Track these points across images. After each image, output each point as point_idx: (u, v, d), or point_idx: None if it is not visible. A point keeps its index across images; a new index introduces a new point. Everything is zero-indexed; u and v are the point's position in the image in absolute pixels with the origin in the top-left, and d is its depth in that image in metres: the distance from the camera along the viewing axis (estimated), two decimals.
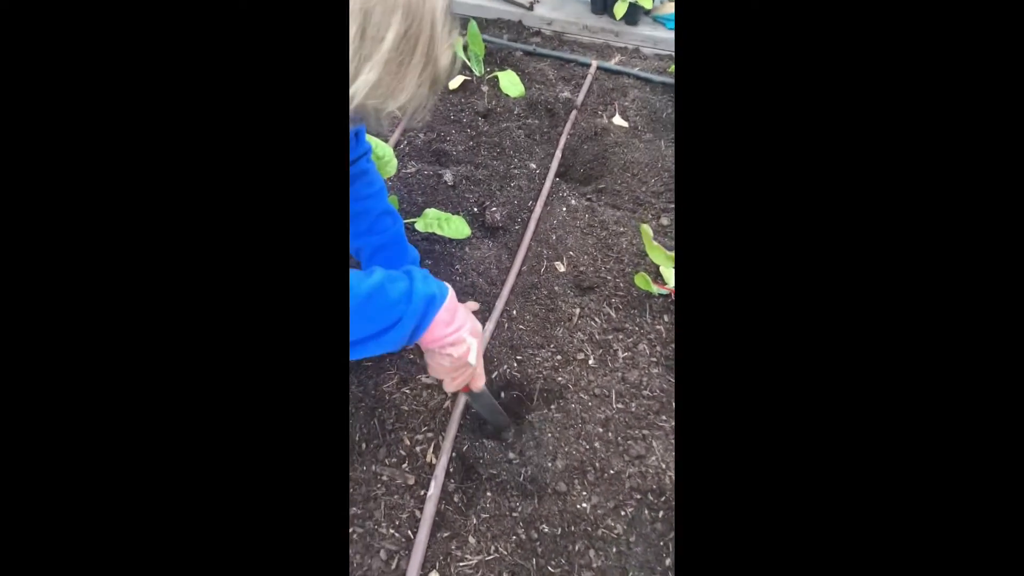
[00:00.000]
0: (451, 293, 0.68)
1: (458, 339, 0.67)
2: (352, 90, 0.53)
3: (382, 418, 0.85)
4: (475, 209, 1.15)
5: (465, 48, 1.49)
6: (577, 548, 0.73)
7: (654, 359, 0.94)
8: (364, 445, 0.82)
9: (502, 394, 0.90)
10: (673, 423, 0.86)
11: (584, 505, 0.76)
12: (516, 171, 1.24)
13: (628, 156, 1.28)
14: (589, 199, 1.21)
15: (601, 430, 0.84)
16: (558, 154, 1.28)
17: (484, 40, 1.52)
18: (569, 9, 1.68)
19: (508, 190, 1.20)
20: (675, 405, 0.88)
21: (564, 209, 1.18)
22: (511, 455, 0.81)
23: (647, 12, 1.61)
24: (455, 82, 1.43)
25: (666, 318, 0.99)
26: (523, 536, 0.74)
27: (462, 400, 0.85)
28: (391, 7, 0.51)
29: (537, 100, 1.40)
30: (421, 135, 1.31)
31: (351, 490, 0.77)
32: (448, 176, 1.19)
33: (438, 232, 1.00)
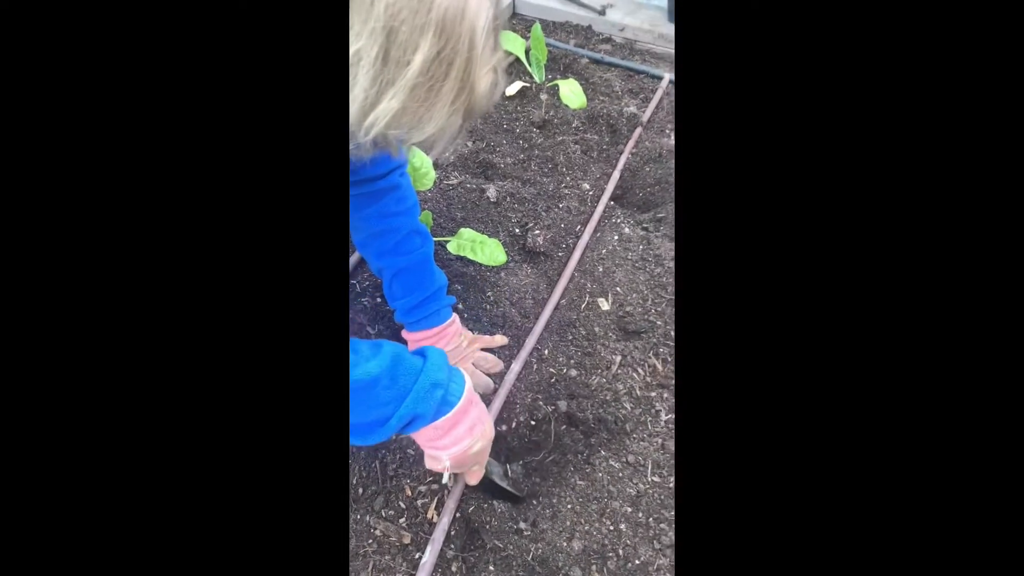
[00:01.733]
0: (455, 410, 0.62)
1: (438, 456, 0.62)
2: (370, 119, 0.44)
3: (384, 461, 0.76)
4: (517, 230, 1.05)
5: (527, 52, 1.39)
6: None
7: None
8: (361, 490, 0.74)
9: (512, 464, 0.79)
10: None
11: None
12: (567, 191, 1.13)
13: None
14: (645, 228, 1.08)
15: (630, 509, 0.72)
16: (616, 175, 1.16)
17: (548, 45, 1.42)
18: (644, 15, 1.55)
19: (556, 211, 1.09)
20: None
21: (616, 238, 1.06)
22: (522, 525, 0.71)
23: None
24: (512, 88, 1.34)
25: None
26: None
27: None
28: (421, 25, 0.41)
29: (599, 113, 1.29)
30: (469, 143, 1.23)
31: None
32: (492, 191, 1.09)
33: (470, 256, 0.91)
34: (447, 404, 0.61)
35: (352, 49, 0.42)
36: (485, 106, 0.50)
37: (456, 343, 0.83)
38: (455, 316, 0.85)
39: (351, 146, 0.47)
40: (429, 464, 0.64)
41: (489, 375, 0.84)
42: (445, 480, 0.71)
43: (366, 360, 0.55)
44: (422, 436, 0.61)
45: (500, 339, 0.88)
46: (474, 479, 0.67)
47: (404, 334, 0.84)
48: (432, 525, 0.71)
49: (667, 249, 1.03)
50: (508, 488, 0.72)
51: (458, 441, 0.61)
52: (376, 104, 0.43)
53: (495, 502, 0.73)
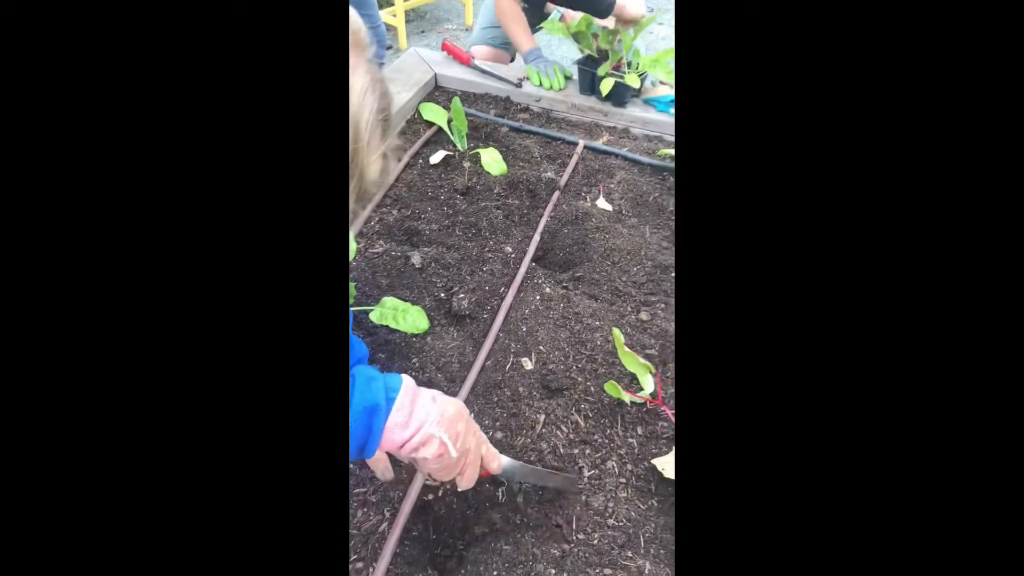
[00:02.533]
0: (403, 388, 0.59)
1: (425, 438, 0.59)
2: None
3: None
4: (442, 295, 1.08)
5: (449, 123, 1.47)
6: None
7: (623, 479, 0.84)
8: None
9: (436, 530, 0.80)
10: (639, 565, 0.75)
11: None
12: (490, 254, 1.18)
13: (610, 242, 1.22)
14: (565, 287, 1.14)
15: (554, 571, 0.73)
16: (536, 237, 1.23)
17: (469, 115, 1.50)
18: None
19: (480, 274, 1.13)
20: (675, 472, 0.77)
21: (538, 297, 1.10)
22: None
23: (636, 94, 1.59)
24: (436, 157, 1.40)
25: (639, 430, 0.90)
26: None
27: (399, 524, 0.75)
28: None
29: (519, 179, 1.36)
30: (395, 211, 1.26)
31: None
32: (416, 258, 1.12)
33: (392, 325, 0.93)
34: (392, 389, 0.59)
35: None
36: (375, 190, 0.54)
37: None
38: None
39: None
40: (424, 453, 0.58)
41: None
42: (454, 453, 0.61)
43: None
44: (393, 434, 0.58)
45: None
46: (493, 463, 0.65)
47: None
48: None
49: (585, 306, 1.08)
50: (552, 473, 0.72)
51: (429, 412, 0.59)
52: None
53: (429, 569, 0.72)
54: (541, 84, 1.62)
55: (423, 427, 0.58)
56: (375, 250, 1.15)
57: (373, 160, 0.51)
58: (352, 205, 0.52)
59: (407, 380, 0.61)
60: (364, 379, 0.57)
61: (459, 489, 0.68)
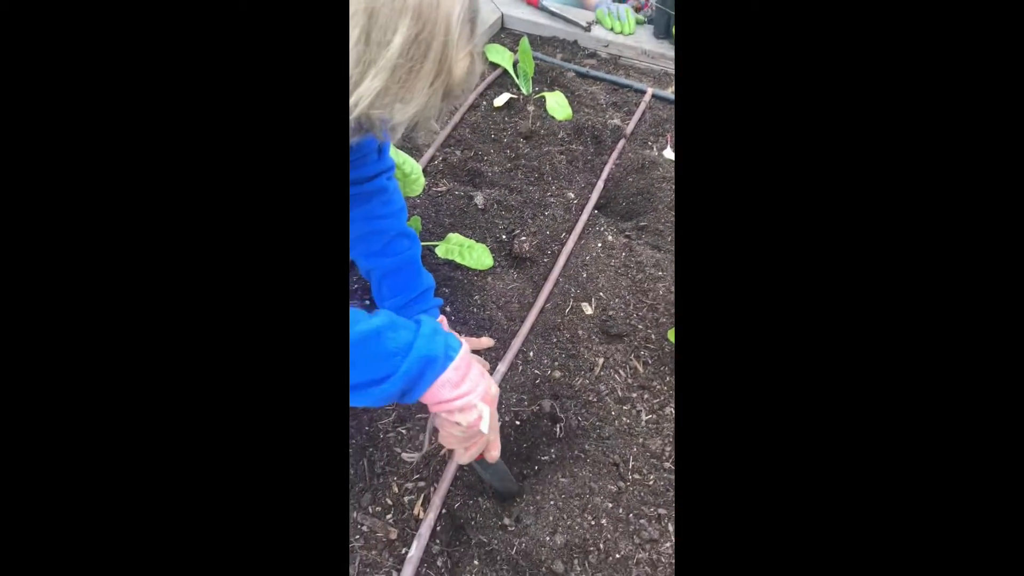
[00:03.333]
0: (462, 352, 0.60)
1: (467, 404, 0.59)
2: (354, 98, 0.47)
3: (372, 459, 0.78)
4: (503, 236, 1.08)
5: (515, 65, 1.43)
6: None
7: None
8: (350, 485, 0.75)
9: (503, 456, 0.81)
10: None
11: None
12: (552, 199, 1.16)
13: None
14: (628, 236, 1.12)
15: (611, 505, 0.74)
16: (600, 185, 1.20)
17: (535, 59, 1.46)
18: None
19: (541, 219, 1.12)
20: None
21: (600, 245, 1.09)
22: (506, 520, 0.73)
23: None
24: (500, 99, 1.37)
25: None
26: None
27: None
28: (399, 8, 0.45)
29: (584, 125, 1.33)
30: (458, 152, 1.26)
31: None
32: (479, 199, 1.12)
33: (458, 260, 0.94)
34: (452, 348, 0.59)
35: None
36: (463, 89, 0.53)
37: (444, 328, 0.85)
38: (443, 318, 0.87)
39: None
40: (462, 419, 0.59)
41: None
42: (483, 427, 0.61)
43: (366, 319, 0.55)
44: (442, 390, 0.58)
45: (486, 341, 0.91)
46: (495, 452, 0.66)
47: None
48: (418, 521, 0.72)
49: (648, 256, 1.06)
50: (511, 480, 0.74)
51: (478, 383, 0.60)
52: (359, 84, 0.46)
53: (480, 500, 0.75)
54: (612, 28, 1.55)
55: (469, 395, 0.58)
56: (439, 189, 1.15)
57: (461, 58, 0.50)
58: (439, 103, 0.52)
59: (465, 346, 0.61)
60: (429, 330, 0.57)
61: (456, 461, 0.68)
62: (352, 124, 0.50)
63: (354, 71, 0.46)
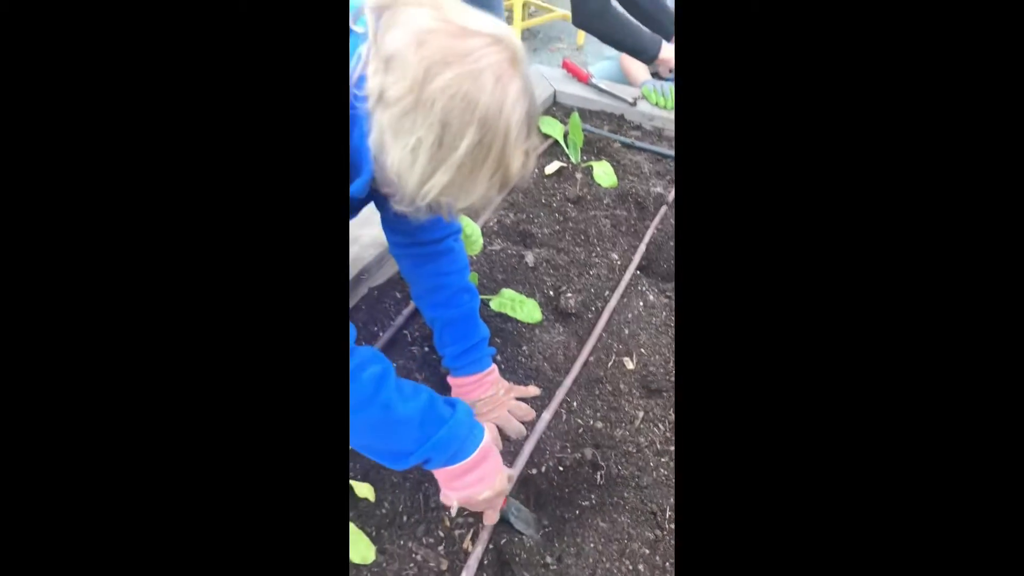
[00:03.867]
0: (466, 461, 0.73)
1: (446, 493, 0.75)
2: (426, 188, 0.58)
3: (427, 493, 0.85)
4: (551, 292, 1.17)
5: (565, 136, 1.56)
6: None
7: None
8: (405, 518, 0.82)
9: (531, 511, 0.87)
10: None
11: None
12: (597, 260, 1.25)
13: None
14: (668, 296, 1.18)
15: (648, 551, 0.78)
16: (642, 248, 1.28)
17: (584, 130, 1.59)
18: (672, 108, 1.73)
19: (586, 277, 1.21)
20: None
21: (641, 304, 1.16)
22: (548, 559, 0.78)
23: None
24: (551, 167, 1.50)
25: None
26: None
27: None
28: (467, 121, 0.56)
29: (628, 192, 1.43)
30: (511, 215, 1.37)
31: (383, 563, 0.77)
32: (530, 257, 1.22)
33: (510, 314, 1.03)
34: (459, 456, 0.72)
35: (414, 137, 0.56)
36: (518, 181, 0.64)
37: (494, 390, 0.93)
38: (494, 366, 0.95)
39: (410, 209, 0.62)
40: (442, 498, 0.76)
41: (522, 422, 0.93)
42: (453, 514, 0.81)
43: (404, 401, 0.68)
44: (439, 475, 0.74)
45: (533, 390, 0.98)
46: (489, 520, 0.78)
47: (450, 379, 0.95)
48: (467, 554, 0.78)
49: None
50: (521, 530, 0.81)
51: (467, 487, 0.73)
52: (431, 177, 0.57)
53: (524, 538, 0.80)
54: (656, 103, 1.68)
55: (453, 491, 0.74)
56: (493, 248, 1.26)
57: (517, 156, 0.61)
58: (495, 194, 0.63)
59: (478, 452, 0.73)
60: (447, 438, 0.70)
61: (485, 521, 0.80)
62: (424, 208, 0.61)
63: (427, 167, 0.57)
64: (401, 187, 0.59)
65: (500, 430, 0.92)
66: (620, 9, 1.61)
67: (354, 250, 1.15)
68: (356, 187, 0.62)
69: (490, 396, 0.93)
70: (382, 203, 0.84)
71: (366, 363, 0.66)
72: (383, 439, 0.68)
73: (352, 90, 0.57)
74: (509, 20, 3.66)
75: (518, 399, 0.96)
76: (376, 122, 0.57)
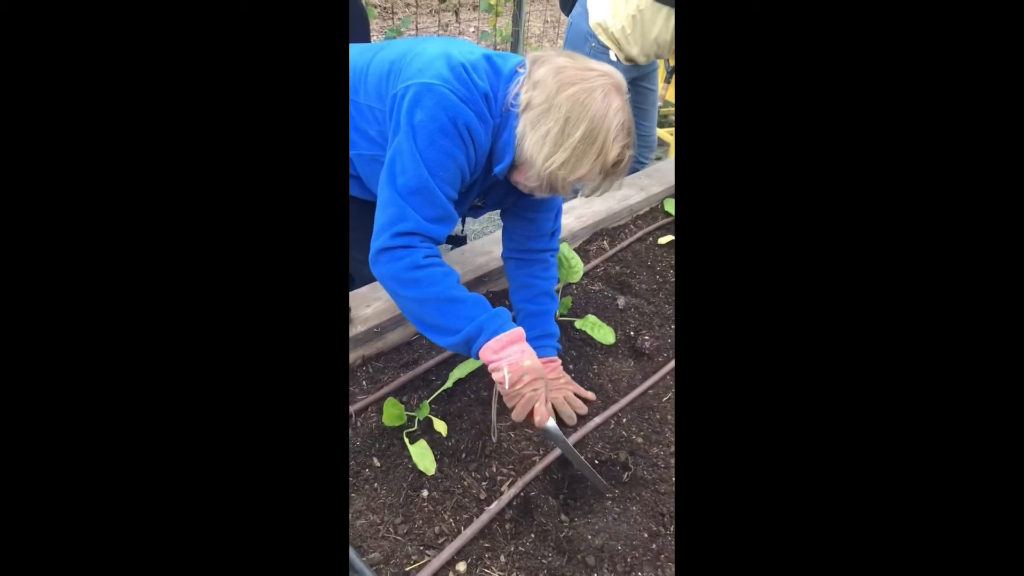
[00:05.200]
0: (511, 333, 0.91)
1: (496, 366, 0.90)
2: (549, 162, 0.89)
3: (485, 444, 1.07)
4: (631, 332, 1.36)
5: None
6: None
7: None
8: (464, 455, 1.05)
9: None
10: None
11: None
12: None
13: None
14: None
15: (647, 538, 0.91)
16: None
17: None
18: None
19: (667, 328, 1.38)
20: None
21: None
22: (563, 517, 0.94)
23: None
24: (664, 239, 1.71)
25: None
26: None
27: (547, 457, 1.02)
28: (581, 119, 0.86)
29: None
30: (617, 267, 1.60)
31: (439, 479, 0.99)
32: (621, 301, 1.43)
33: (589, 333, 1.24)
34: (505, 327, 0.91)
35: (545, 128, 0.87)
36: (613, 169, 0.92)
37: (557, 374, 1.15)
38: (559, 359, 1.18)
39: (535, 183, 0.95)
40: (494, 376, 0.90)
41: (576, 413, 1.12)
42: (507, 386, 0.89)
43: (463, 290, 0.93)
44: (487, 351, 0.89)
45: (590, 394, 1.17)
46: (538, 417, 0.91)
47: None
48: (502, 493, 0.98)
49: None
50: (587, 467, 0.97)
51: (512, 355, 0.89)
52: (553, 155, 0.88)
53: (551, 498, 0.98)
54: None
55: (501, 360, 0.89)
56: (593, 287, 1.49)
57: (615, 150, 0.89)
58: (598, 177, 0.91)
59: (517, 331, 0.92)
60: (496, 313, 0.92)
61: (536, 422, 0.93)
62: (545, 184, 0.92)
63: (551, 148, 0.87)
64: (532, 163, 0.90)
65: (556, 410, 1.12)
66: None
67: (482, 260, 1.46)
68: (499, 169, 0.95)
69: (553, 379, 1.14)
70: (508, 212, 1.18)
71: (440, 263, 0.92)
72: (445, 316, 0.90)
73: (510, 103, 0.91)
74: (672, 124, 4.00)
75: (576, 395, 1.15)
76: (521, 121, 0.90)
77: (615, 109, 0.88)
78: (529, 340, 1.16)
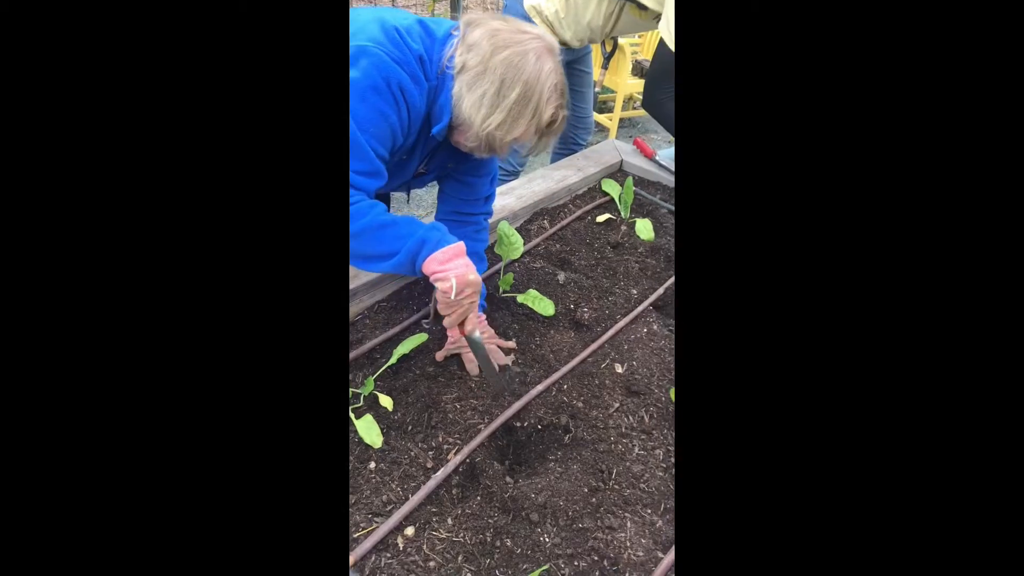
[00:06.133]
0: (455, 247, 0.97)
1: (444, 276, 0.94)
2: (486, 124, 0.93)
3: (431, 416, 1.09)
4: (571, 306, 1.41)
5: (619, 196, 1.84)
6: (524, 568, 0.86)
7: (663, 466, 1.04)
8: (410, 428, 1.07)
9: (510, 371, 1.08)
10: (654, 519, 0.95)
11: (546, 539, 0.89)
12: (618, 291, 1.48)
13: None
14: (670, 330, 1.38)
15: (588, 492, 0.97)
16: (661, 290, 1.50)
17: (637, 193, 1.86)
18: None
19: (605, 301, 1.44)
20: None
21: (645, 331, 1.37)
22: (508, 479, 0.98)
23: None
24: (602, 217, 1.77)
25: None
26: (488, 539, 0.90)
27: (492, 424, 1.06)
28: (516, 80, 0.91)
29: (661, 247, 1.66)
30: (558, 245, 1.65)
31: (386, 451, 1.01)
32: (562, 277, 1.48)
33: (531, 306, 1.28)
34: (447, 241, 0.96)
35: (481, 90, 0.91)
36: (547, 129, 0.97)
37: (484, 326, 1.24)
38: (483, 315, 1.26)
39: (474, 144, 0.98)
40: (439, 286, 0.94)
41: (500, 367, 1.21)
42: (453, 296, 0.93)
43: (385, 211, 0.95)
44: (432, 263, 0.93)
45: (511, 344, 1.23)
46: (469, 325, 1.01)
47: None
48: (448, 461, 1.01)
49: None
50: (495, 373, 1.06)
51: (459, 268, 0.94)
52: (490, 116, 0.92)
53: (496, 463, 1.01)
54: None
55: (448, 272, 0.93)
56: (535, 265, 1.53)
57: (548, 111, 0.93)
58: (534, 137, 0.96)
59: (460, 244, 0.97)
60: (435, 227, 0.99)
61: (466, 331, 1.01)
62: (484, 144, 0.96)
63: (488, 110, 0.91)
64: (470, 124, 0.94)
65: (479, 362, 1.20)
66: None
67: None
68: (436, 129, 0.98)
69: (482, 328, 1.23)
70: (447, 177, 1.23)
71: (365, 199, 0.94)
72: (382, 241, 0.92)
73: (445, 66, 0.94)
74: (611, 110, 4.10)
75: (499, 346, 1.23)
76: (457, 83, 0.93)
77: (548, 71, 0.92)
78: None
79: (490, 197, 1.27)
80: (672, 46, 1.68)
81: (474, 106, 0.91)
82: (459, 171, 1.21)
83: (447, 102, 0.95)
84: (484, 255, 1.28)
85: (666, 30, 1.69)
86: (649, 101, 1.86)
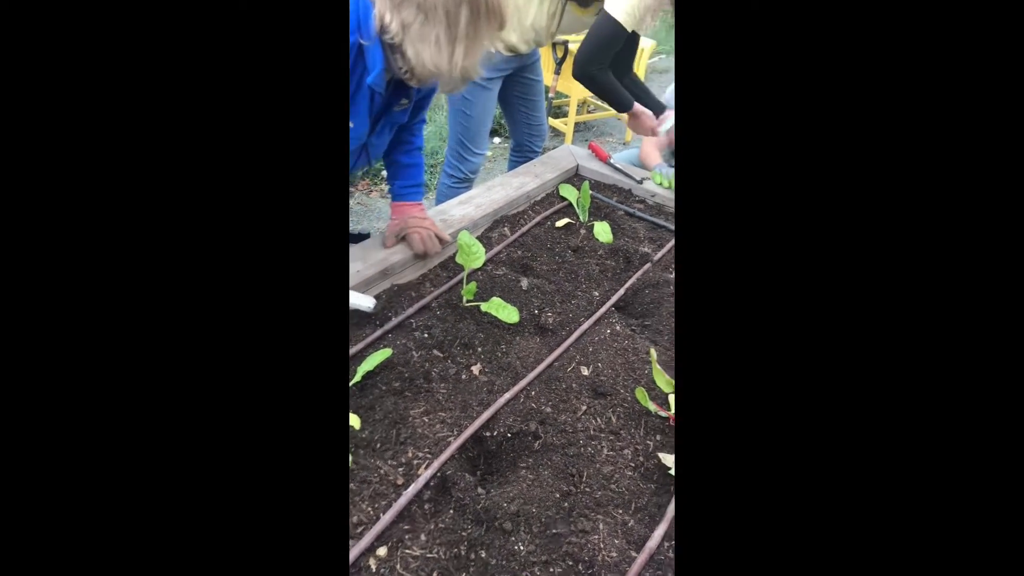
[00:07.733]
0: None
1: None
2: (454, 63, 0.98)
3: (399, 431, 1.08)
4: (536, 311, 1.42)
5: (577, 200, 1.86)
6: None
7: (632, 465, 1.06)
8: (379, 445, 1.05)
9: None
10: (626, 519, 0.96)
11: (520, 548, 0.89)
12: (580, 294, 1.50)
13: None
14: (633, 329, 1.41)
15: (559, 498, 0.97)
16: (621, 291, 1.52)
17: (594, 198, 1.89)
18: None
19: (568, 305, 1.45)
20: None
21: (608, 331, 1.39)
22: (480, 490, 0.98)
23: None
24: (561, 222, 1.79)
25: (658, 437, 1.12)
26: (462, 553, 0.89)
27: (462, 436, 1.05)
28: (458, 4, 0.93)
29: (620, 248, 1.69)
30: (519, 252, 1.66)
31: (355, 471, 0.99)
32: (524, 283, 1.48)
33: (495, 314, 1.28)
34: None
35: (433, 34, 0.93)
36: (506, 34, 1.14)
37: (423, 215, 1.49)
38: (422, 205, 1.51)
39: (450, 87, 1.08)
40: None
41: (422, 245, 1.44)
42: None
43: None
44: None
45: (447, 237, 1.44)
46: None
47: (392, 203, 1.51)
48: (419, 476, 1.00)
49: (644, 346, 1.34)
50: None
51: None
52: (453, 55, 0.96)
53: (467, 475, 1.01)
54: (660, 183, 1.97)
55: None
56: (497, 272, 1.53)
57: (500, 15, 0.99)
58: (496, 45, 1.06)
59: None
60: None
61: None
62: (460, 80, 1.01)
63: (448, 49, 0.96)
64: (441, 73, 0.97)
65: (421, 242, 1.44)
66: (610, 75, 1.93)
67: (383, 254, 1.46)
68: (372, 78, 1.02)
69: (419, 217, 1.46)
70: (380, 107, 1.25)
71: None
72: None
73: (376, 34, 0.95)
74: (566, 114, 4.16)
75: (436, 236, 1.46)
76: (408, 43, 0.94)
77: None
78: (403, 188, 1.41)
79: (421, 122, 1.45)
80: (620, 16, 1.70)
81: (436, 54, 0.94)
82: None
83: (377, 55, 0.99)
84: (423, 151, 1.48)
85: (614, 4, 1.70)
86: (581, 74, 1.87)
